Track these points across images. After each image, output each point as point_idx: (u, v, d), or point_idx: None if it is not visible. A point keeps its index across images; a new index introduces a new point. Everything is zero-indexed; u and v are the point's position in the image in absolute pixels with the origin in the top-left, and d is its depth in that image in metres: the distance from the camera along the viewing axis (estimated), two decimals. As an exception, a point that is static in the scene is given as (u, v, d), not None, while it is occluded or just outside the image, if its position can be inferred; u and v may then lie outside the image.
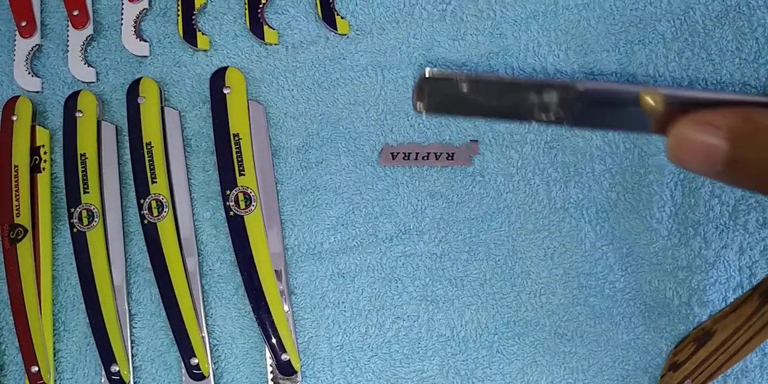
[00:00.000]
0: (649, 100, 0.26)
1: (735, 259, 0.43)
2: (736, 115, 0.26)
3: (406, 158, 0.46)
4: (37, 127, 0.48)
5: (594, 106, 0.26)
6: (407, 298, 0.45)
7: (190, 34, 0.48)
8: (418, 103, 0.28)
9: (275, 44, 0.47)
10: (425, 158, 0.45)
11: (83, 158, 0.47)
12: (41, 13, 0.50)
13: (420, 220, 0.45)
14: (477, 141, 0.45)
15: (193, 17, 0.48)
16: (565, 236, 0.45)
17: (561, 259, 0.44)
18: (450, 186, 0.45)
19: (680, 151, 0.26)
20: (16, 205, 0.47)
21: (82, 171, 0.47)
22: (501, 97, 0.27)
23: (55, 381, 0.46)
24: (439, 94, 0.27)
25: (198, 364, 0.44)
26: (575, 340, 0.44)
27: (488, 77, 0.27)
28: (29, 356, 0.45)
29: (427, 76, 0.27)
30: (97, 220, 0.46)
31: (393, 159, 0.46)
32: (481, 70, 0.46)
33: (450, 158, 0.45)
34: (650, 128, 0.27)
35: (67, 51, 0.49)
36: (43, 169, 0.48)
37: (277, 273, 0.45)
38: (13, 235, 0.46)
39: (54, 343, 0.46)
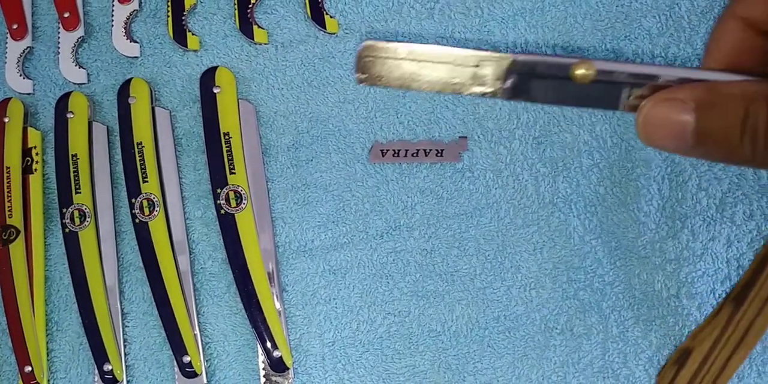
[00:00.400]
0: (582, 71, 0.25)
1: (722, 252, 0.43)
2: (700, 88, 0.25)
3: (395, 155, 0.46)
4: (29, 128, 0.48)
5: (529, 79, 0.26)
6: (398, 293, 0.45)
7: (180, 35, 0.48)
8: (359, 74, 0.27)
9: (265, 44, 0.48)
10: (414, 155, 0.46)
11: (75, 159, 0.47)
12: (32, 15, 0.50)
13: (410, 217, 0.46)
14: (466, 137, 0.46)
15: (183, 18, 0.48)
16: (554, 231, 0.45)
17: (550, 253, 0.45)
18: (439, 182, 0.46)
19: (651, 130, 0.26)
20: (8, 207, 0.47)
21: (74, 171, 0.47)
22: (437, 68, 0.26)
23: (48, 381, 0.46)
24: (379, 65, 0.27)
25: (190, 361, 0.44)
26: (565, 334, 0.44)
27: (425, 47, 0.26)
28: (22, 356, 0.45)
29: (366, 45, 0.26)
30: (88, 220, 0.46)
31: (383, 156, 0.46)
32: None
33: (439, 155, 0.46)
34: (591, 103, 0.26)
35: (59, 53, 0.49)
36: (35, 170, 0.48)
37: (269, 271, 0.45)
38: (5, 236, 0.46)
39: (47, 342, 0.47)
